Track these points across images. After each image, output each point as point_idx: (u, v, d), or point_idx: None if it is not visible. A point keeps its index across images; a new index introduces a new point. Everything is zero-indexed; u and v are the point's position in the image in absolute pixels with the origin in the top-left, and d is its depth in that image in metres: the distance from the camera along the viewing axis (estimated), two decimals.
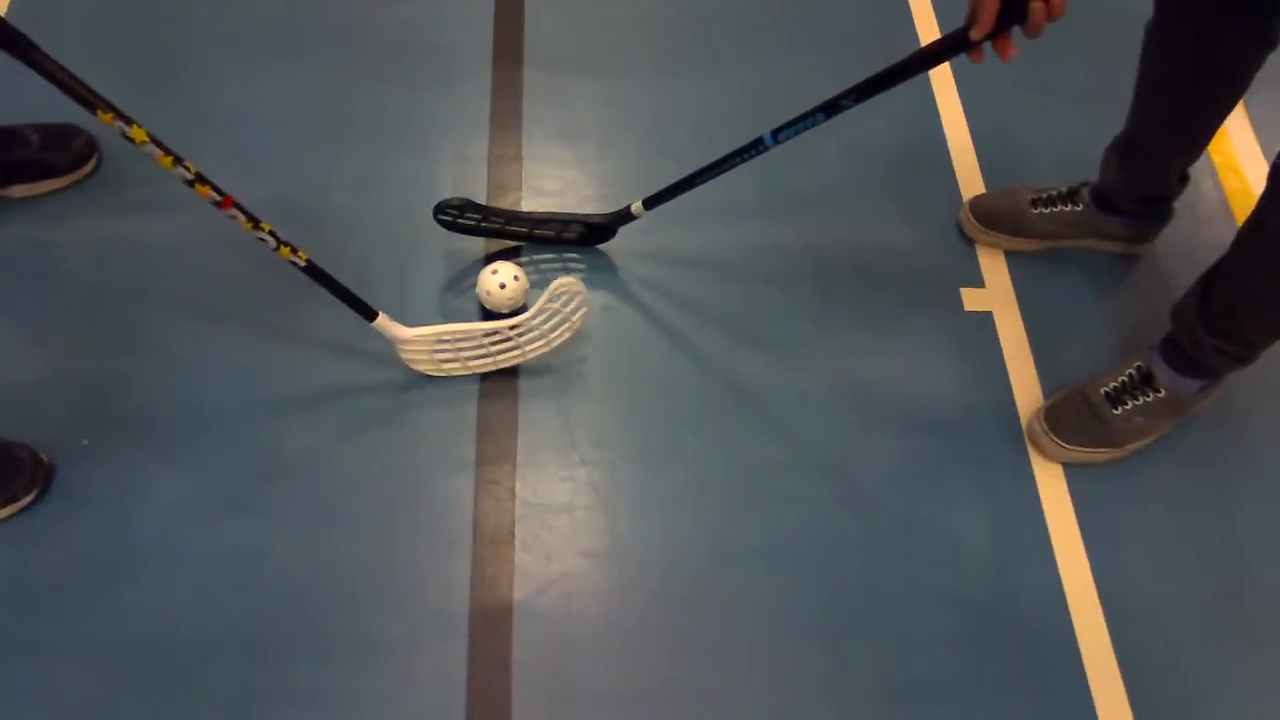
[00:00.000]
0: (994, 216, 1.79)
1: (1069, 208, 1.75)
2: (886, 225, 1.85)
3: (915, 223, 1.86)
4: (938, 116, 1.99)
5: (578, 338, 1.63)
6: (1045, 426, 1.59)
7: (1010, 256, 1.81)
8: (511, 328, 1.53)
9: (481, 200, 1.79)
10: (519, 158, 1.88)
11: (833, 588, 1.50)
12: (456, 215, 1.66)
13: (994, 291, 1.77)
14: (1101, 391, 1.58)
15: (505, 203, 1.81)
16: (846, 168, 1.90)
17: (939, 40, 1.23)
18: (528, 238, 1.75)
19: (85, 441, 1.53)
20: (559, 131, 1.93)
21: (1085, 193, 1.74)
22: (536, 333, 1.57)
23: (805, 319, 1.73)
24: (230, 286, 1.69)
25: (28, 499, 1.45)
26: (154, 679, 1.37)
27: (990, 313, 1.75)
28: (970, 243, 1.83)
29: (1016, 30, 1.14)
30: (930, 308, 1.76)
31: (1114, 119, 1.61)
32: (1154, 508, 1.58)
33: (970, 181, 1.90)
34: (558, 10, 2.10)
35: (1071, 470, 1.60)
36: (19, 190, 1.74)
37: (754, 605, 1.48)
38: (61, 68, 1.09)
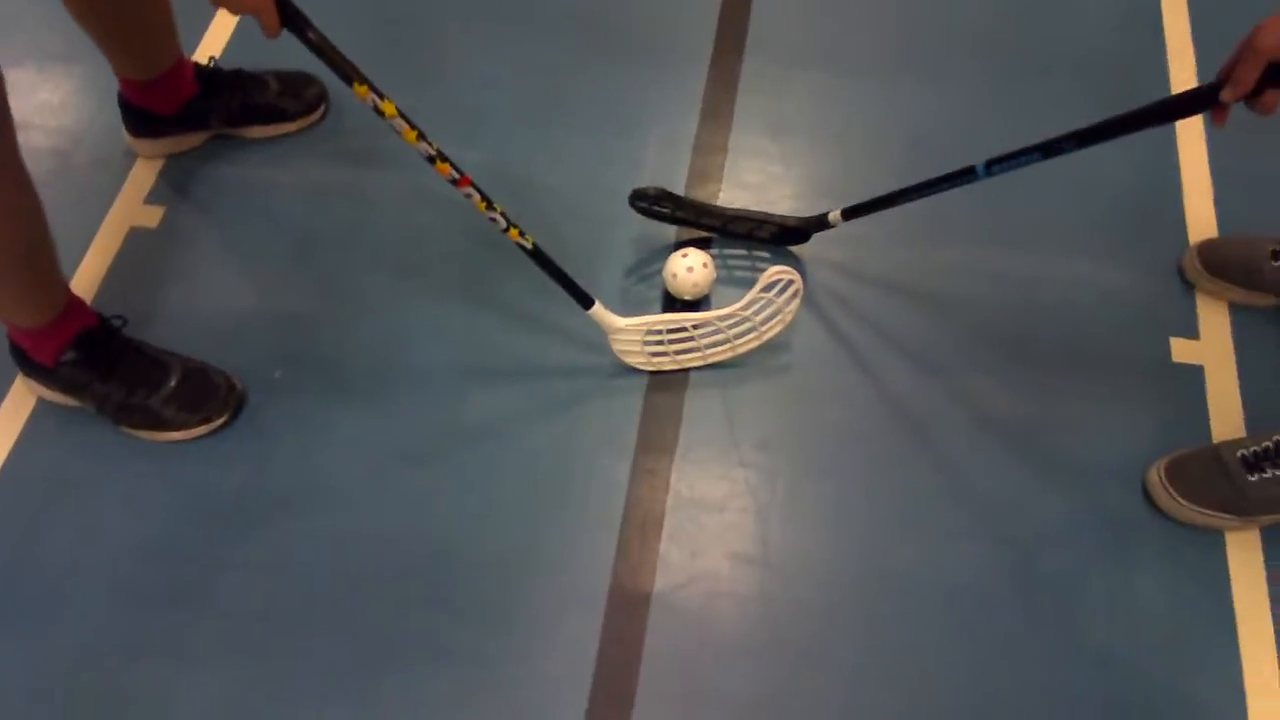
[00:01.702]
0: (1224, 264, 1.66)
1: None
2: (1100, 260, 1.74)
3: (1132, 261, 1.74)
4: (1175, 151, 1.86)
5: (787, 331, 1.60)
6: (1164, 479, 1.47)
7: (1235, 311, 1.67)
8: (722, 318, 1.52)
9: (680, 189, 1.79)
10: (725, 149, 1.86)
11: (985, 631, 1.42)
12: (651, 203, 1.66)
13: (1209, 345, 1.64)
14: (1238, 454, 1.44)
15: (704, 193, 1.80)
16: (1065, 193, 1.80)
17: (1182, 94, 1.17)
18: (719, 231, 1.73)
19: (277, 374, 1.61)
20: (769, 126, 1.90)
21: None
22: (748, 324, 1.55)
23: (999, 349, 1.65)
24: (431, 244, 1.74)
25: (219, 421, 1.55)
26: (305, 603, 1.43)
27: (1201, 367, 1.62)
28: (1190, 289, 1.70)
29: None
30: (1134, 353, 1.64)
31: None
32: None
33: (1202, 226, 1.77)
34: (788, 2, 2.08)
35: (1270, 547, 1.46)
36: (255, 131, 1.86)
37: (898, 634, 1.42)
38: (328, 43, 1.17)
